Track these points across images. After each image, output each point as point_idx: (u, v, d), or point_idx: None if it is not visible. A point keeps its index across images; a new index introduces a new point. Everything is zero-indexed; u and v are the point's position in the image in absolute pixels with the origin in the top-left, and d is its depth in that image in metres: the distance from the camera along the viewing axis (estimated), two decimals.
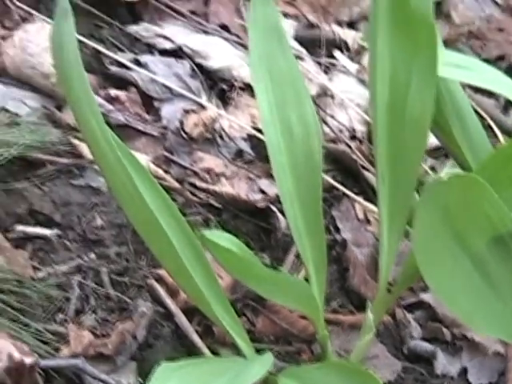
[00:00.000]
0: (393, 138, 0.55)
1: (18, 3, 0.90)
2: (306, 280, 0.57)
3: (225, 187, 0.74)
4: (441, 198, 0.41)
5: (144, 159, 0.72)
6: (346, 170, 0.79)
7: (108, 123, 0.51)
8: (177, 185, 0.71)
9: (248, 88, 0.85)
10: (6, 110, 0.74)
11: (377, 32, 0.55)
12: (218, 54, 0.90)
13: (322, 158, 0.59)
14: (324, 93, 0.88)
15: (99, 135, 0.50)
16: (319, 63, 0.94)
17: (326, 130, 0.82)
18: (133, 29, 0.92)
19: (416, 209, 0.45)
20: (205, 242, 0.47)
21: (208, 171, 0.75)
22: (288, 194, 0.57)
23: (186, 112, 0.79)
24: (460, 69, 0.55)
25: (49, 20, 0.90)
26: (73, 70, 0.50)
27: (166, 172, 0.73)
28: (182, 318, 0.60)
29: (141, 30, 0.92)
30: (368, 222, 0.75)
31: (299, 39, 0.97)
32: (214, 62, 0.89)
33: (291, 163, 0.57)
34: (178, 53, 0.89)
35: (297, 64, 0.59)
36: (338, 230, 0.73)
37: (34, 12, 0.92)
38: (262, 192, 0.74)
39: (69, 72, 0.51)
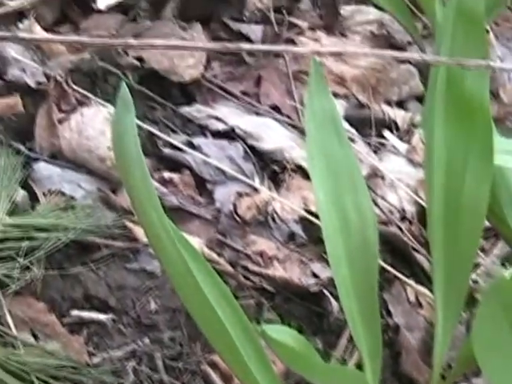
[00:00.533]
0: (448, 223, 0.58)
1: (74, 86, 0.94)
2: (359, 366, 0.59)
3: (277, 271, 0.75)
4: (503, 296, 0.44)
5: (197, 242, 0.74)
6: (396, 252, 0.81)
7: (162, 206, 0.53)
8: (230, 268, 0.73)
9: (299, 170, 0.89)
10: (62, 193, 0.78)
11: (433, 118, 0.59)
12: (270, 135, 0.93)
13: (378, 245, 0.61)
14: (374, 174, 0.92)
15: (155, 219, 0.53)
16: (369, 143, 0.97)
17: (377, 211, 0.84)
18: (186, 110, 0.96)
19: (479, 303, 0.48)
20: (261, 335, 0.48)
21: (261, 254, 0.76)
22: (343, 280, 0.59)
23: (240, 195, 0.82)
24: None
25: (105, 103, 0.97)
26: (133, 159, 0.54)
27: (219, 255, 0.75)
28: None
29: (193, 111, 0.96)
30: (420, 305, 0.76)
31: (349, 119, 1.00)
32: (266, 144, 0.92)
33: (347, 250, 0.60)
34: (230, 134, 0.93)
35: (353, 152, 0.63)
36: (389, 313, 0.74)
37: (90, 95, 0.98)
38: (315, 276, 0.76)
39: (128, 161, 0.54)
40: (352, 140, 0.93)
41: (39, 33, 1.02)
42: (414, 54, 0.99)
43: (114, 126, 0.57)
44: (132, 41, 0.68)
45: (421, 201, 0.85)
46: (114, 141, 0.57)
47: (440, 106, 0.59)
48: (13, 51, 0.93)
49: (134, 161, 0.53)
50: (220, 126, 0.93)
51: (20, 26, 1.00)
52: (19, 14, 1.07)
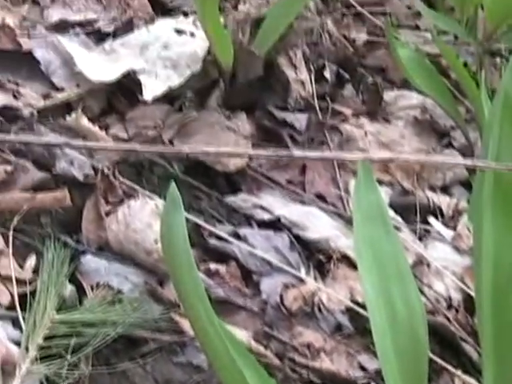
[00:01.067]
0: (498, 318, 0.60)
1: (121, 178, 0.97)
2: None
3: (324, 363, 0.77)
4: None
5: (244, 335, 0.76)
6: (444, 343, 0.83)
7: (209, 298, 0.56)
8: (277, 361, 0.75)
9: (345, 259, 0.91)
10: (110, 286, 0.81)
11: (481, 212, 0.62)
12: (315, 224, 0.96)
13: (426, 336, 0.64)
14: (420, 261, 0.94)
15: (202, 313, 0.56)
16: (414, 231, 1.00)
17: (424, 300, 0.84)
18: (231, 199, 1.00)
19: None
20: None
21: (307, 346, 0.78)
22: (391, 372, 0.62)
23: (286, 286, 0.84)
24: None
25: (151, 195, 1.01)
26: (181, 255, 0.58)
27: (266, 347, 0.77)
28: None
29: (239, 200, 1.00)
30: None
31: (394, 206, 1.03)
32: (311, 233, 0.95)
33: (394, 341, 0.62)
34: (276, 224, 0.96)
35: (400, 245, 0.65)
36: None
37: (136, 187, 1.02)
38: (362, 368, 0.78)
39: (176, 257, 0.58)
40: (397, 228, 0.96)
41: (86, 125, 1.09)
42: (465, 160, 1.00)
43: (163, 224, 0.62)
44: (185, 148, 0.74)
45: (467, 289, 0.88)
46: (163, 237, 0.62)
47: (488, 200, 0.62)
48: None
49: (182, 257, 0.58)
50: (265, 216, 0.97)
51: (68, 118, 1.03)
52: (67, 106, 1.16)
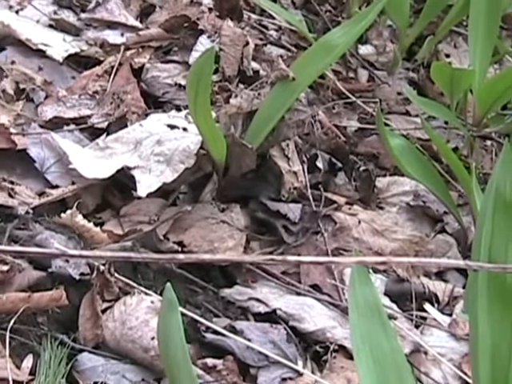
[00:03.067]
0: None
1: (117, 275, 1.01)
2: None
3: None
4: None
5: None
6: None
7: None
8: None
9: (342, 349, 0.96)
10: None
11: (477, 303, 0.66)
12: (312, 315, 1.01)
13: None
14: (417, 349, 0.97)
15: None
16: (410, 318, 1.04)
17: None
18: (227, 292, 1.05)
19: None
20: None
21: None
22: None
23: (283, 380, 0.89)
24: None
25: (147, 291, 1.05)
26: (178, 356, 0.64)
27: None
28: None
29: (234, 293, 1.05)
30: None
31: (389, 294, 1.08)
32: (308, 325, 0.99)
33: None
34: (272, 316, 1.01)
35: (398, 341, 0.68)
36: None
37: (132, 283, 1.06)
38: None
39: (174, 358, 0.64)
40: (393, 318, 1.02)
41: (81, 222, 1.14)
42: (457, 262, 1.05)
43: (160, 325, 0.67)
44: (180, 255, 0.79)
45: (465, 376, 0.92)
46: (160, 338, 0.68)
47: (483, 290, 0.66)
48: (56, 242, 1.01)
49: (179, 357, 0.64)
50: (261, 308, 1.02)
51: (63, 215, 1.07)
52: (62, 203, 1.20)
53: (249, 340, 0.94)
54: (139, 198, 1.25)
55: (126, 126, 1.37)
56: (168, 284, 0.67)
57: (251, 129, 1.29)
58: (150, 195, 1.23)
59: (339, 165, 1.44)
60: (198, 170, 1.29)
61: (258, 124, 1.29)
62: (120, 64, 1.50)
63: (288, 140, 1.32)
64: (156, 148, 1.29)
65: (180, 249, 1.18)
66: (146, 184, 1.23)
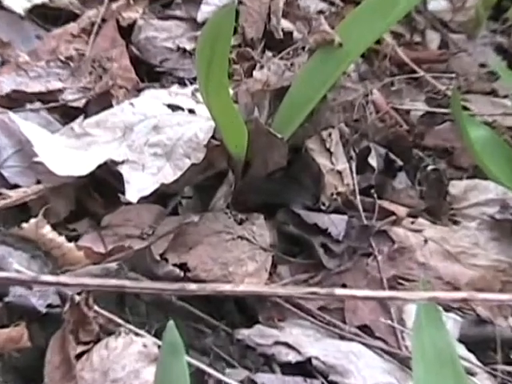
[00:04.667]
0: None
1: (97, 308, 1.00)
2: None
3: None
4: None
5: None
6: None
7: None
8: None
9: None
10: None
11: None
12: (359, 368, 1.00)
13: None
14: None
15: None
16: (494, 374, 1.04)
17: None
18: (244, 334, 1.04)
19: None
20: None
21: None
22: None
23: None
24: None
25: (138, 330, 1.04)
26: None
27: None
28: None
29: (254, 334, 1.04)
30: None
31: (466, 340, 1.08)
32: (354, 380, 0.98)
33: None
34: (306, 367, 1.00)
35: None
36: None
37: (118, 319, 1.02)
38: None
39: None
40: (471, 373, 1.02)
41: (49, 235, 1.14)
42: None
43: (159, 380, 0.72)
44: (191, 286, 0.79)
45: None
46: None
47: None
48: (15, 261, 1.01)
49: None
50: (291, 357, 1.01)
51: (24, 225, 1.07)
52: (23, 209, 1.21)
53: None
54: (128, 203, 1.26)
55: (112, 105, 1.39)
56: (170, 322, 0.69)
57: (281, 112, 1.31)
58: (142, 200, 1.19)
59: (399, 162, 1.46)
60: (208, 167, 1.31)
61: (291, 106, 1.31)
62: (103, 20, 1.51)
63: (331, 128, 1.34)
64: (152, 136, 1.30)
65: (183, 273, 1.19)
66: (137, 185, 1.25)
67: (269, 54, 1.43)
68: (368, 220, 1.34)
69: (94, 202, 1.32)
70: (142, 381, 0.97)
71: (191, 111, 1.35)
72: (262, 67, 1.36)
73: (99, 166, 1.27)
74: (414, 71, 1.59)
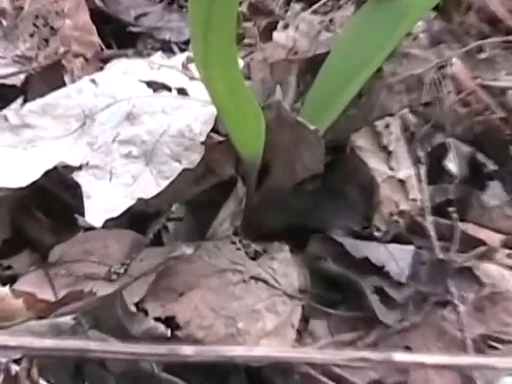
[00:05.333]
0: None
1: (42, 381, 1.08)
2: None
3: None
4: None
5: None
6: None
7: None
8: None
9: None
10: None
11: None
12: None
13: None
14: None
15: None
16: None
17: None
18: None
19: None
20: None
21: None
22: None
23: None
24: None
25: None
26: None
27: None
28: None
29: None
30: None
31: None
32: None
33: None
34: None
35: None
36: None
37: None
38: None
39: None
40: None
41: None
42: None
43: None
44: (185, 349, 0.79)
45: None
46: None
47: None
48: None
49: None
50: None
51: None
52: None
53: None
54: (89, 228, 1.30)
55: (64, 83, 1.42)
56: None
57: (315, 93, 1.33)
58: (110, 223, 1.27)
59: (491, 167, 1.48)
60: (206, 174, 1.33)
61: (329, 83, 1.32)
62: None
63: (389, 116, 1.35)
64: (124, 129, 1.33)
65: (169, 331, 1.22)
66: (102, 201, 1.27)
67: (296, 6, 1.44)
68: (445, 252, 1.36)
69: (37, 226, 1.35)
70: None
71: (182, 92, 1.37)
72: (286, 26, 1.38)
73: (46, 174, 1.29)
74: None
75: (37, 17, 1.44)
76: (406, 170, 1.36)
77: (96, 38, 1.46)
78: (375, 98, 1.35)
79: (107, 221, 1.27)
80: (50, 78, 1.40)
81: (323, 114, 1.31)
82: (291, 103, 1.32)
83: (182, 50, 1.42)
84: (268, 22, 1.42)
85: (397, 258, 1.33)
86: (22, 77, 1.39)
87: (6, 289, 1.20)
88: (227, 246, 1.31)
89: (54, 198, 1.32)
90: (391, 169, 1.35)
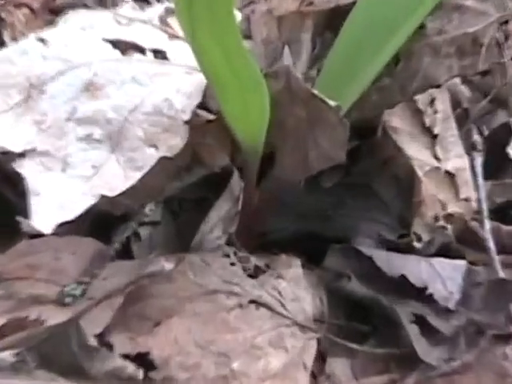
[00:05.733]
0: None
1: None
2: None
3: None
4: None
5: None
6: None
7: None
8: None
9: None
10: None
11: None
12: None
13: None
14: None
15: None
16: None
17: None
18: None
19: None
20: None
21: None
22: None
23: None
24: None
25: None
26: None
27: None
28: None
29: None
30: None
31: None
32: None
33: None
34: None
35: None
36: None
37: None
38: None
39: None
40: None
41: None
42: None
43: None
44: None
45: None
46: None
47: None
48: None
49: None
50: None
51: None
52: None
53: None
54: (35, 235, 1.30)
55: (3, 41, 1.43)
56: None
57: (336, 57, 1.33)
58: (63, 230, 1.27)
59: None
60: (191, 164, 1.34)
61: (355, 44, 1.33)
62: None
63: (435, 88, 1.36)
64: (82, 103, 1.32)
65: (142, 373, 1.21)
66: (53, 200, 1.27)
67: None
68: (507, 269, 1.36)
69: None
70: None
71: (159, 54, 1.38)
72: None
73: None
74: None
75: None
76: (456, 159, 1.35)
77: None
78: (416, 65, 1.33)
79: (60, 225, 1.26)
80: None
81: (346, 85, 1.30)
82: (304, 70, 1.31)
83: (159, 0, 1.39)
84: None
85: (443, 277, 1.33)
86: None
87: None
88: (219, 260, 1.31)
89: None
90: (436, 158, 1.35)
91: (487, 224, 1.31)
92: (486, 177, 1.33)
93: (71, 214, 1.26)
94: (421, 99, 1.31)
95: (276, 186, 1.29)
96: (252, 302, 1.28)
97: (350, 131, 1.29)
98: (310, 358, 1.26)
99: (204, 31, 1.20)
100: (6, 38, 1.37)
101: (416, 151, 1.30)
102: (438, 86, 1.33)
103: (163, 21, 1.34)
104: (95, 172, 1.29)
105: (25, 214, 1.26)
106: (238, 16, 1.27)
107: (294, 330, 1.27)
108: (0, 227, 1.33)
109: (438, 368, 1.30)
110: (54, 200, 1.27)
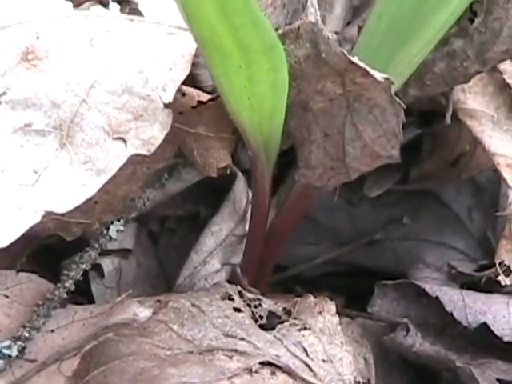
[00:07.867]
0: None
1: None
2: None
3: None
4: None
5: None
6: None
7: None
8: None
9: None
10: None
11: None
12: None
13: None
14: None
15: None
16: None
17: None
18: None
19: None
20: None
21: None
22: None
23: None
24: None
25: None
26: None
27: None
28: None
29: None
30: None
31: None
32: None
33: None
34: None
35: None
36: None
37: None
38: None
39: None
40: None
41: None
42: None
43: None
44: None
45: None
46: None
47: None
48: None
49: None
50: None
51: None
52: None
53: None
54: None
55: None
56: None
57: (385, 11, 1.13)
58: (9, 249, 1.08)
59: None
60: (177, 164, 1.16)
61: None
62: None
63: None
64: (18, 78, 1.12)
65: None
66: None
67: None
68: None
69: None
70: None
71: (129, 8, 1.21)
72: None
73: None
74: None
75: None
76: None
77: None
78: (498, 21, 1.11)
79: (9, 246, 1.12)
80: None
81: (400, 49, 1.11)
82: (339, 28, 1.14)
83: None
84: None
85: None
86: None
87: None
88: (217, 304, 1.12)
89: None
90: None
91: None
92: None
93: (3, 239, 1.07)
94: (509, 69, 1.15)
95: (299, 197, 1.09)
96: (266, 364, 1.08)
97: (405, 116, 1.11)
98: (366, 362, 1.13)
99: None
100: None
101: (502, 144, 1.09)
102: None
103: None
104: (37, 178, 1.10)
105: None
106: None
107: None
108: None
109: None
110: None
